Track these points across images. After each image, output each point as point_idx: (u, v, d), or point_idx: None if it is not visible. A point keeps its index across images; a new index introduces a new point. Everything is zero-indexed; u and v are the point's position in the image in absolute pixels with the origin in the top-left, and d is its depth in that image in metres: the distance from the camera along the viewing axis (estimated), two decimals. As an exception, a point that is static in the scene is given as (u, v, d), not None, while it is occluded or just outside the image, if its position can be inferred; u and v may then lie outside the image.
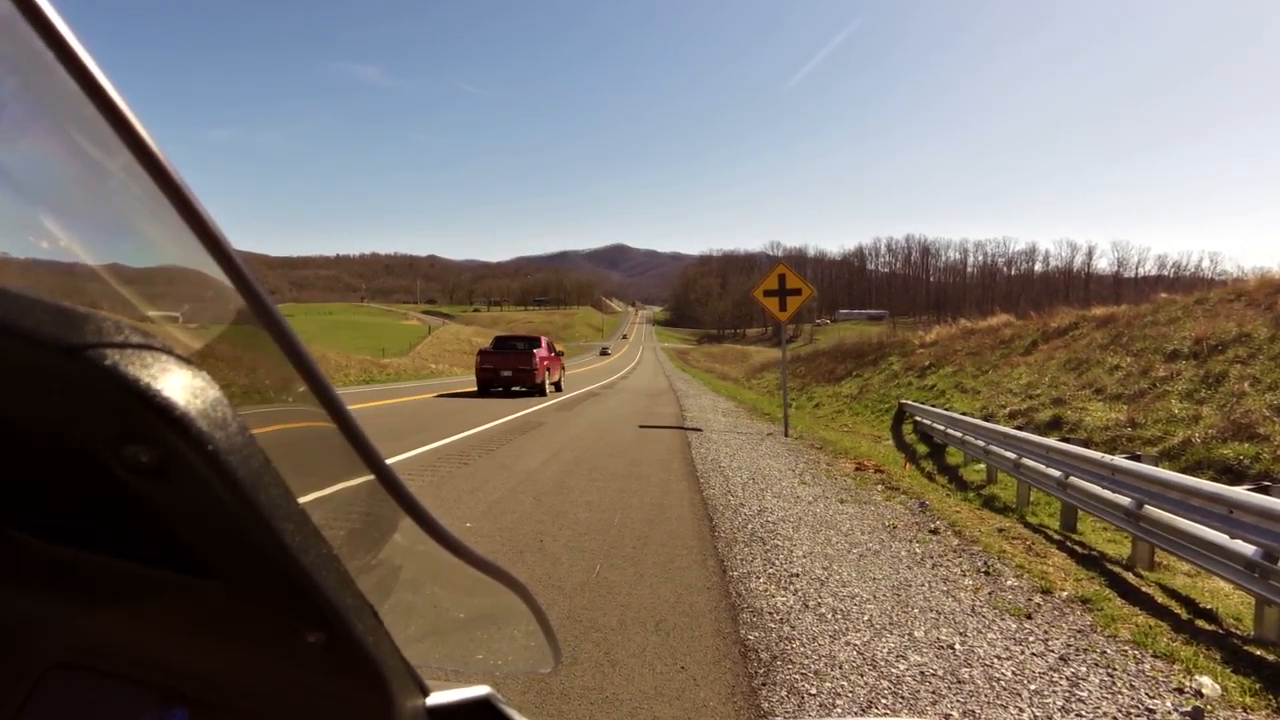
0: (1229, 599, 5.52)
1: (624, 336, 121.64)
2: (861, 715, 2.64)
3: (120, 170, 0.35)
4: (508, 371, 18.98)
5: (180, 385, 0.37)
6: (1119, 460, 6.07)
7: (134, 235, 0.41)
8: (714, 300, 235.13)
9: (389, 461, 0.49)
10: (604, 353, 76.26)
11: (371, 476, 0.48)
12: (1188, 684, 3.11)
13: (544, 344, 20.28)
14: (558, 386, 21.89)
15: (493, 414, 13.92)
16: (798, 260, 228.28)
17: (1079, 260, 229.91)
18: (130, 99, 0.34)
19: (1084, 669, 3.15)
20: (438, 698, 0.60)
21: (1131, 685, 3.03)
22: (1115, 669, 3.18)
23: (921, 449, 14.23)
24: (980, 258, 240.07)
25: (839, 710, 2.74)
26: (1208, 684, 3.16)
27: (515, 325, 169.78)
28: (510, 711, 0.63)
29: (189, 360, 0.39)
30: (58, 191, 0.39)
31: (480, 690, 0.62)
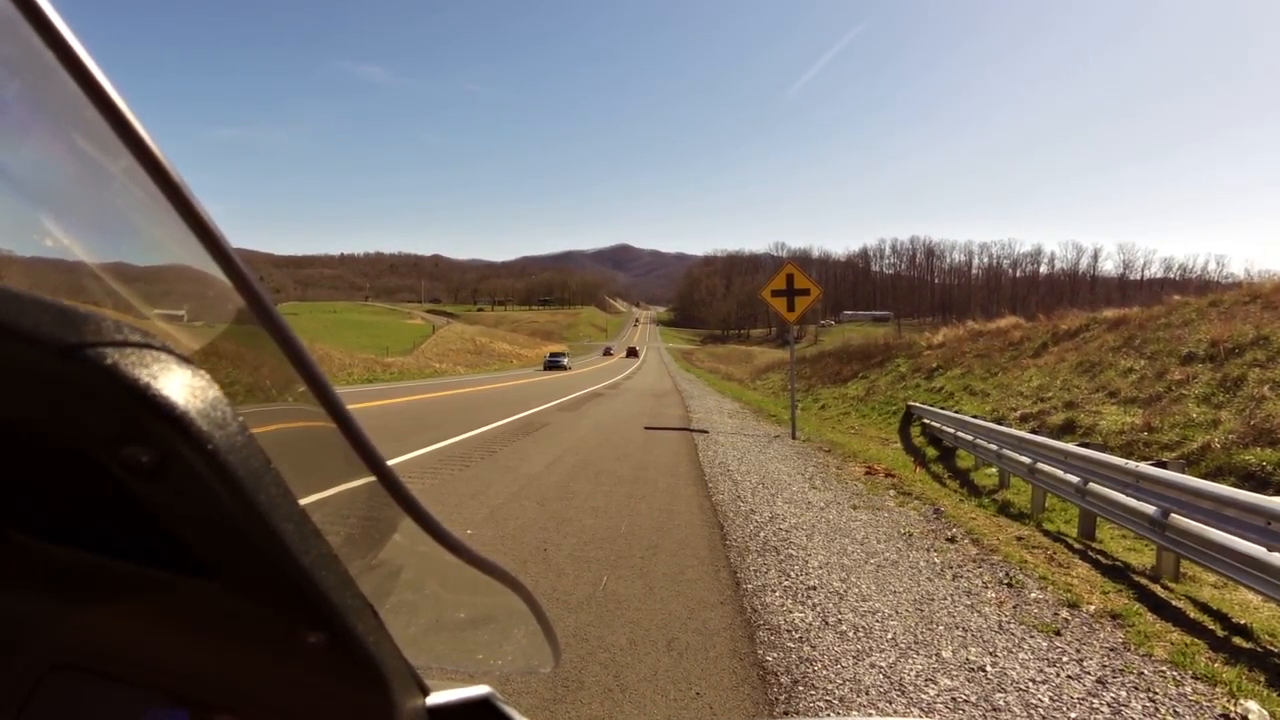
0: (1259, 612, 5.31)
1: (607, 352, 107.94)
2: (865, 715, 2.55)
3: (121, 171, 0.35)
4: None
5: (180, 385, 0.37)
6: (1145, 467, 5.85)
7: (135, 236, 0.41)
8: (718, 301, 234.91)
9: (389, 463, 0.48)
10: (557, 364, 50.67)
11: (372, 478, 0.48)
12: (1233, 709, 2.92)
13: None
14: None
15: (497, 414, 13.78)
16: (802, 261, 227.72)
17: (1085, 262, 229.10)
18: (133, 98, 0.35)
19: (1124, 693, 2.96)
20: (438, 697, 0.60)
21: (1175, 712, 2.84)
22: (1156, 693, 2.99)
23: (930, 452, 14.01)
24: (985, 260, 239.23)
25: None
26: (1255, 709, 2.97)
27: (519, 325, 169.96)
28: (510, 711, 0.63)
29: (189, 360, 0.39)
30: (60, 193, 0.39)
31: (480, 690, 0.62)
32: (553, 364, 51.08)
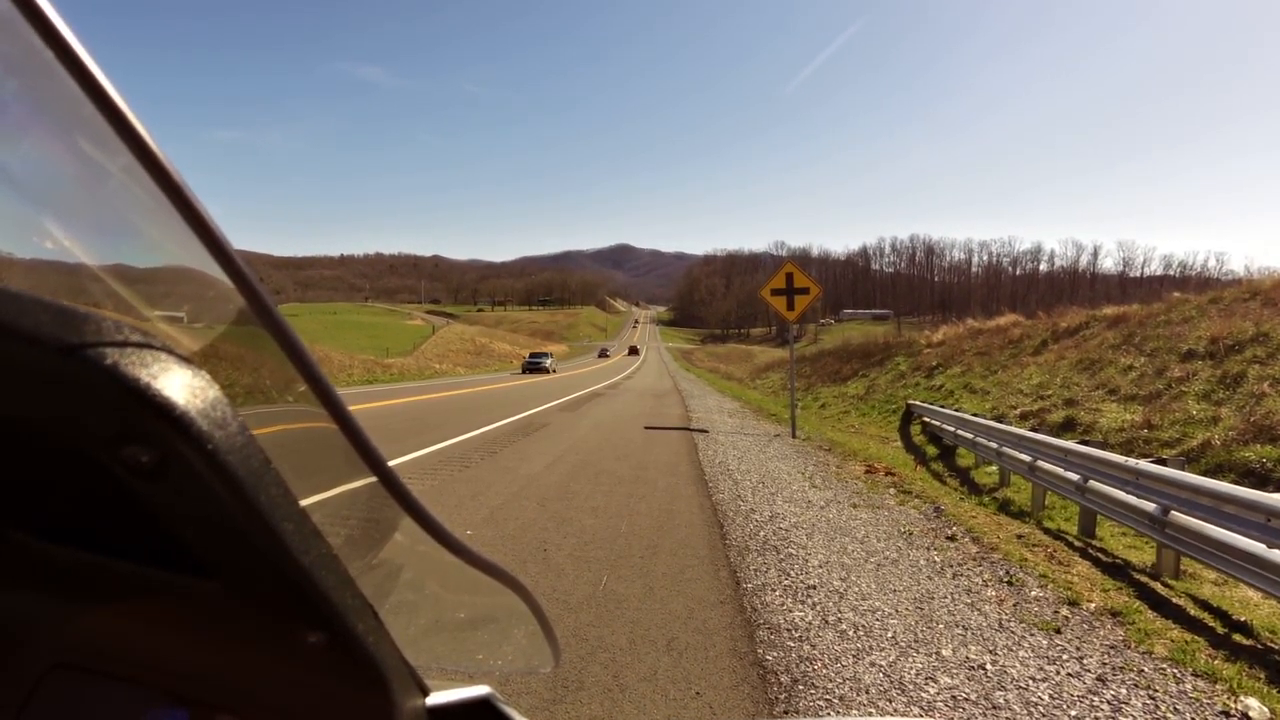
0: (1259, 609, 5.31)
1: (603, 353, 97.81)
2: (866, 715, 2.54)
3: (121, 171, 0.35)
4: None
5: (180, 385, 0.37)
6: (1144, 464, 5.85)
7: (136, 236, 0.41)
8: (718, 300, 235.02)
9: (389, 464, 0.48)
10: (537, 367, 41.47)
11: (373, 478, 0.48)
12: (1233, 706, 2.92)
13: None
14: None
15: (496, 415, 13.78)
16: (802, 260, 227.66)
17: (1084, 260, 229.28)
18: (134, 100, 0.34)
19: (1124, 691, 2.96)
20: (438, 697, 0.60)
21: (1176, 709, 2.84)
22: (1156, 690, 2.99)
23: (931, 450, 14.00)
24: (985, 257, 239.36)
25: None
26: (1254, 706, 2.97)
27: (519, 325, 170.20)
28: (510, 711, 0.63)
29: (189, 360, 0.39)
30: (60, 193, 0.39)
31: (480, 690, 0.62)
32: (533, 366, 41.99)
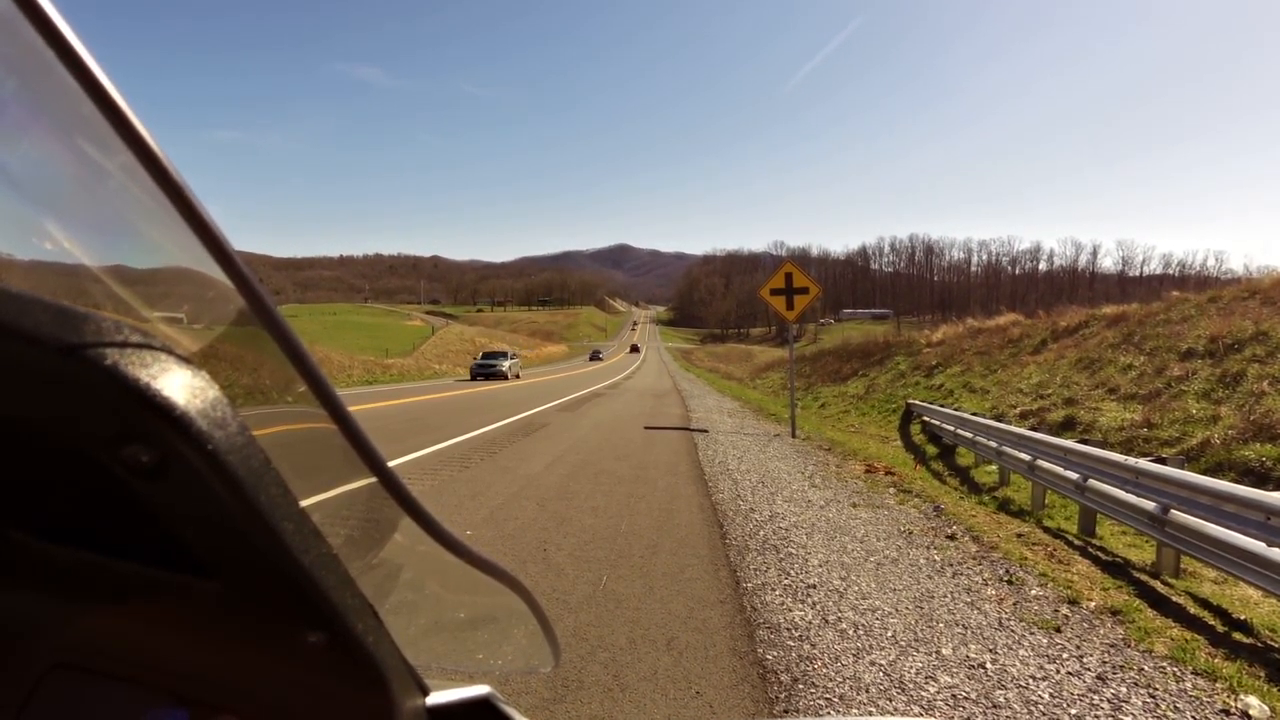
0: (1259, 608, 5.32)
1: (595, 355, 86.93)
2: (866, 715, 2.54)
3: (121, 171, 0.35)
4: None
5: (180, 385, 0.37)
6: (1144, 463, 5.86)
7: (135, 236, 0.41)
8: (718, 300, 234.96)
9: (389, 464, 0.48)
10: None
11: (373, 478, 0.48)
12: (1234, 704, 2.92)
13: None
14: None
15: (496, 415, 13.78)
16: (802, 260, 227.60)
17: (1084, 259, 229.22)
18: (133, 100, 0.34)
19: (1124, 689, 2.96)
20: (438, 697, 0.60)
21: (1176, 708, 2.84)
22: (1156, 689, 2.99)
23: (930, 450, 14.01)
24: (984, 257, 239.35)
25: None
26: (1255, 704, 2.97)
27: (519, 325, 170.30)
28: (510, 711, 0.63)
29: (189, 360, 0.39)
30: (60, 193, 0.39)
31: (480, 690, 0.62)
32: (485, 370, 32.03)
